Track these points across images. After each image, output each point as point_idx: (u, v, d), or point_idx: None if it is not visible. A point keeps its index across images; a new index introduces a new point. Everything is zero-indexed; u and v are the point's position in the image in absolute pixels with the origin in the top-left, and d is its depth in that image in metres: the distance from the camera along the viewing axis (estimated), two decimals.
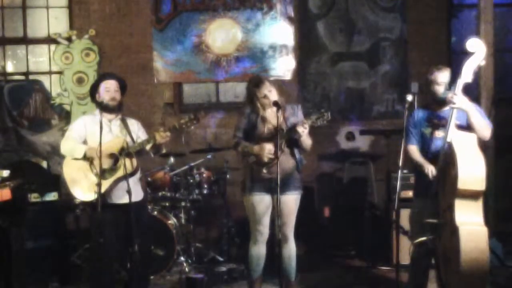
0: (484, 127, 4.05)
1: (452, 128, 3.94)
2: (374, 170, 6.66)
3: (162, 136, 4.22)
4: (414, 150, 4.25)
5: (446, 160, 3.94)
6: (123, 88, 4.51)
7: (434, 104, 4.24)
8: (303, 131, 4.20)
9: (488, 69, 5.49)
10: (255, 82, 4.42)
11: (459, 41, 4.09)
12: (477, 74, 5.39)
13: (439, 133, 4.15)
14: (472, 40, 3.99)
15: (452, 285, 3.88)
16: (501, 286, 4.93)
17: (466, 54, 3.99)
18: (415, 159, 4.21)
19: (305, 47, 7.03)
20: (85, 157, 4.30)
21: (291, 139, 4.32)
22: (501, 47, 6.93)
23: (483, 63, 3.99)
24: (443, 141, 4.02)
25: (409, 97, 4.05)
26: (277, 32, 6.96)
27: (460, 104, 3.93)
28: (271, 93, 4.32)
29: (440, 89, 4.14)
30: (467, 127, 4.04)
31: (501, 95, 5.92)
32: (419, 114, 4.30)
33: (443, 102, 4.14)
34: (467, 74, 3.94)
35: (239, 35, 6.95)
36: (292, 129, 4.26)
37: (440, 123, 4.15)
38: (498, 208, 5.76)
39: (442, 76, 4.14)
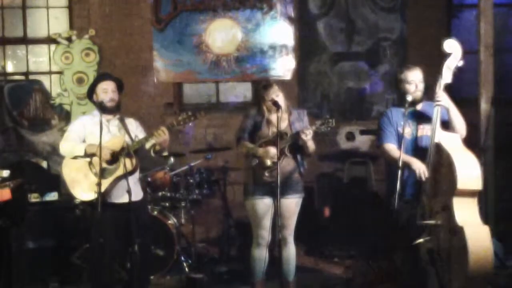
0: (462, 124, 4.08)
1: (438, 128, 3.95)
2: (374, 170, 6.65)
3: (160, 133, 4.21)
4: (394, 148, 4.13)
5: (435, 161, 3.93)
6: (120, 87, 4.51)
7: (407, 103, 4.15)
8: (306, 136, 4.23)
9: (488, 69, 5.50)
10: (263, 85, 4.53)
11: (459, 41, 4.08)
12: (477, 74, 5.46)
13: (416, 132, 4.15)
14: (449, 41, 4.02)
15: (455, 284, 3.87)
16: (501, 286, 4.91)
17: (466, 55, 4.01)
18: (399, 157, 3.95)
19: (305, 47, 7.03)
20: (86, 154, 4.29)
21: (295, 144, 4.36)
22: (501, 47, 6.92)
23: (461, 63, 4.00)
24: (425, 141, 4.04)
25: (409, 97, 4.06)
26: (277, 32, 6.95)
27: (443, 102, 3.97)
28: (278, 98, 4.36)
29: (410, 88, 4.14)
30: (444, 123, 4.05)
31: (501, 95, 5.91)
32: (393, 113, 4.26)
33: (415, 101, 4.16)
34: (446, 75, 3.98)
35: (239, 35, 6.95)
36: (296, 134, 4.30)
37: (415, 122, 4.17)
38: (498, 208, 5.76)
39: (412, 75, 4.16)
